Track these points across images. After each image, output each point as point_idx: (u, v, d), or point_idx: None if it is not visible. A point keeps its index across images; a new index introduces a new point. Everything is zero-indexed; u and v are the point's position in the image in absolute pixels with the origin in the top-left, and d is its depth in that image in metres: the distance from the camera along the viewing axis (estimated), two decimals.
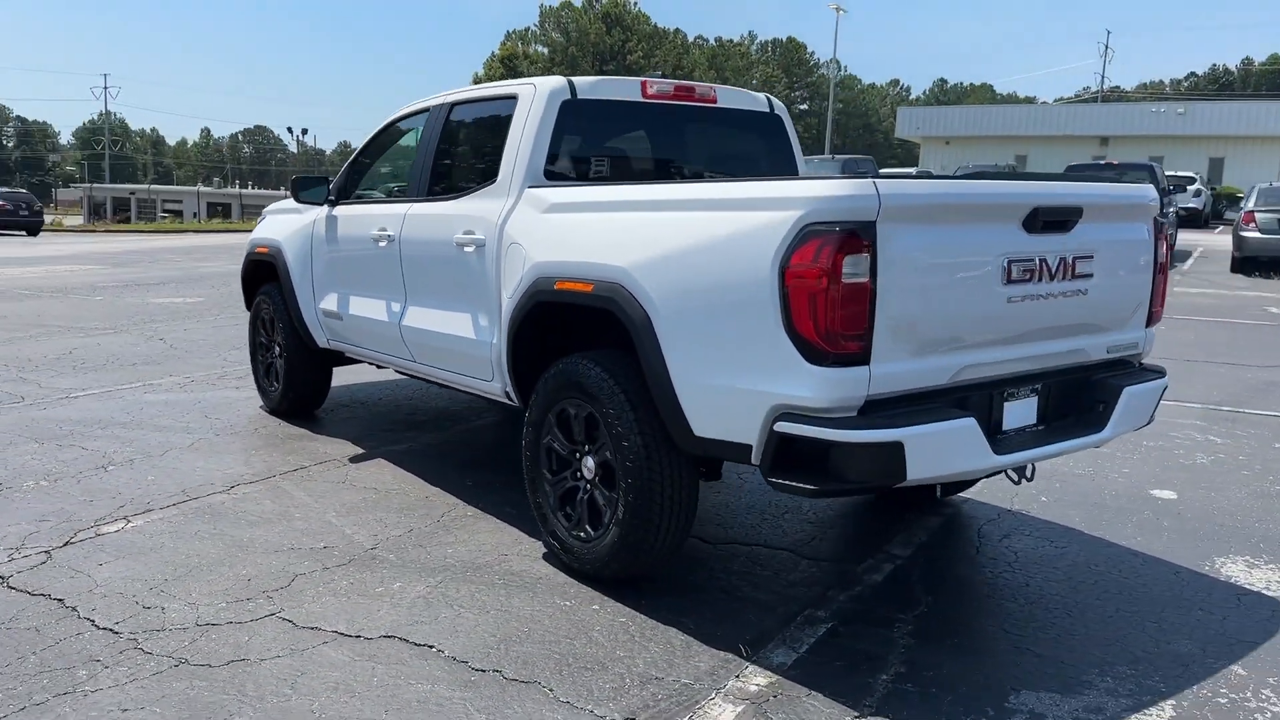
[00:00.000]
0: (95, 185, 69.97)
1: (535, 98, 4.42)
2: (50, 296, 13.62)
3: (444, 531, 4.45)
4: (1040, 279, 3.40)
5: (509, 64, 68.89)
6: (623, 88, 4.63)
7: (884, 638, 3.48)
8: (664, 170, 4.94)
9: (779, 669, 3.24)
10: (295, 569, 4.01)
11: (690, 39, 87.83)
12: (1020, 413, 3.56)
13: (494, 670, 3.19)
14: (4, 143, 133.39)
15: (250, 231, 7.31)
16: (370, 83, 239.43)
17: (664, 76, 5.06)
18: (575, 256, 3.86)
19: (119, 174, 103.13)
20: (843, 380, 3.02)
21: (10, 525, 4.44)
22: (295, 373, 6.40)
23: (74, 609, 3.60)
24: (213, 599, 3.71)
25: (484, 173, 4.63)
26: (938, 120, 47.50)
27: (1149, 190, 3.93)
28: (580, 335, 4.10)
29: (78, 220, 53.88)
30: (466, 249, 4.53)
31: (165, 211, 58.13)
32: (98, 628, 3.45)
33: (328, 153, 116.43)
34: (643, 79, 4.68)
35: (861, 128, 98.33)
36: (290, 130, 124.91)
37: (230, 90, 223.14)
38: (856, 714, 2.97)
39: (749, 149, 5.10)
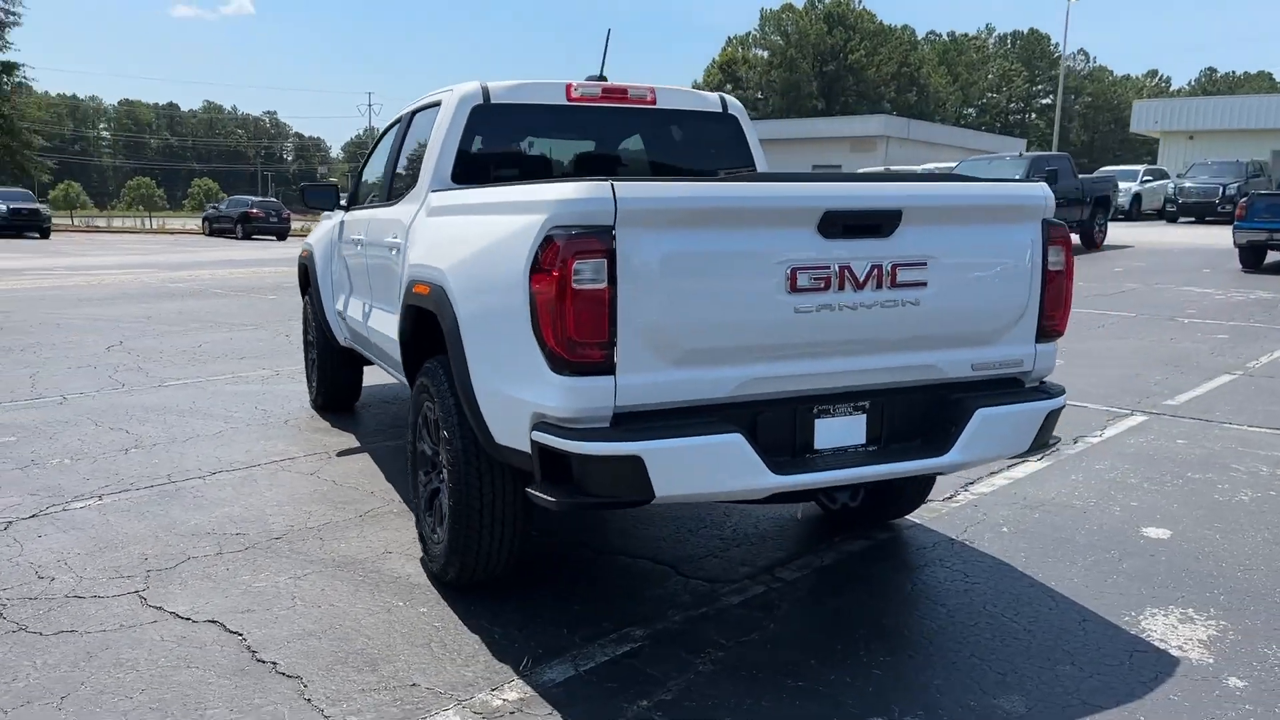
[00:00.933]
0: None
1: (449, 104, 4.50)
2: (232, 295, 15.07)
3: (354, 527, 4.60)
4: (841, 288, 3.11)
5: (728, 70, 69.27)
6: (544, 91, 4.61)
7: (683, 663, 3.29)
8: (589, 174, 4.86)
9: (542, 685, 3.14)
10: (193, 552, 4.28)
11: (920, 35, 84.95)
12: (840, 431, 3.27)
13: (273, 662, 3.29)
14: (285, 156, 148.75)
15: None
16: None
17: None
18: (424, 260, 3.91)
19: None
20: (585, 390, 2.90)
21: (5, 498, 5.00)
22: (325, 370, 6.78)
23: None
24: (100, 574, 4.03)
25: (413, 178, 4.75)
26: (1179, 113, 43.30)
27: (1032, 190, 3.49)
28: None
29: None
30: (391, 252, 4.67)
31: None
32: None
33: None
34: (569, 82, 4.65)
35: (1112, 122, 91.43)
36: None
37: None
38: None
39: (696, 150, 4.94)
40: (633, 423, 2.96)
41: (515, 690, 3.11)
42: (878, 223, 3.13)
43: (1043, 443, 3.56)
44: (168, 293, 15.58)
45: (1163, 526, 4.62)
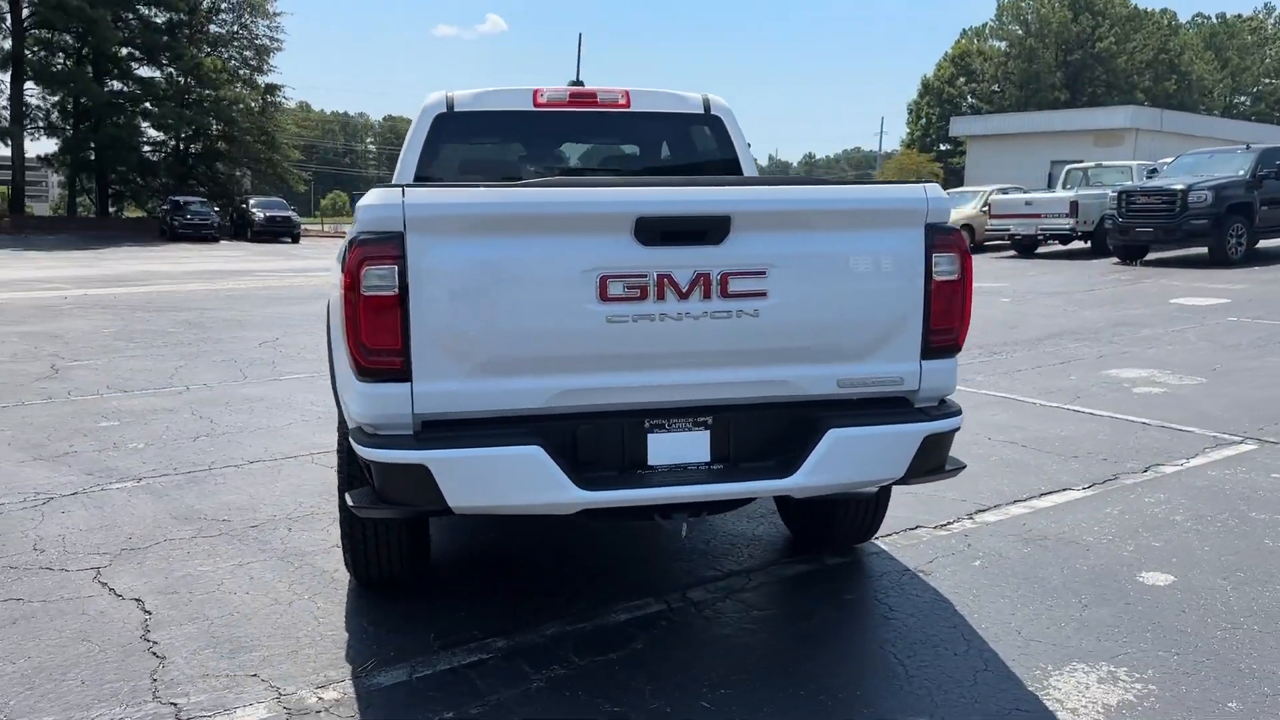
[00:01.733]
0: None
1: (417, 115, 4.62)
2: None
3: (330, 519, 4.80)
4: (661, 298, 2.93)
5: (960, 62, 66.23)
6: (510, 98, 4.64)
7: (520, 676, 3.22)
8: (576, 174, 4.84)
9: (367, 688, 3.18)
10: (172, 535, 4.62)
11: (1184, 19, 77.81)
12: (678, 447, 3.09)
13: (154, 642, 3.51)
14: None
15: None
16: (841, 98, 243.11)
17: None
18: None
19: None
20: (382, 397, 2.91)
21: (67, 476, 5.60)
22: None
23: None
24: (81, 550, 4.44)
25: None
26: None
27: (907, 193, 3.15)
28: None
29: None
30: None
31: None
32: None
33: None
34: (536, 88, 4.65)
35: None
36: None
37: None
38: None
39: (675, 152, 4.82)
40: (438, 431, 2.94)
41: (338, 691, 3.17)
42: (702, 229, 2.93)
43: (931, 468, 3.21)
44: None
45: (1169, 572, 4.04)
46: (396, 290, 2.83)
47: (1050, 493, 5.10)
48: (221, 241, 38.70)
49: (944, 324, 3.16)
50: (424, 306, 2.85)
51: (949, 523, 4.67)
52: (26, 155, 46.29)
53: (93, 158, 47.13)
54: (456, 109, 4.58)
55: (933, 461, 3.20)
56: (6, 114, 44.47)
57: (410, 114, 6.28)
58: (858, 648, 3.46)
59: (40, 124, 46.05)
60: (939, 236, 3.11)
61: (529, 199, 2.90)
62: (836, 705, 3.04)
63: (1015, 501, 4.96)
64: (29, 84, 44.41)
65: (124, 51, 46.32)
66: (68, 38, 45.15)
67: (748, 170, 4.75)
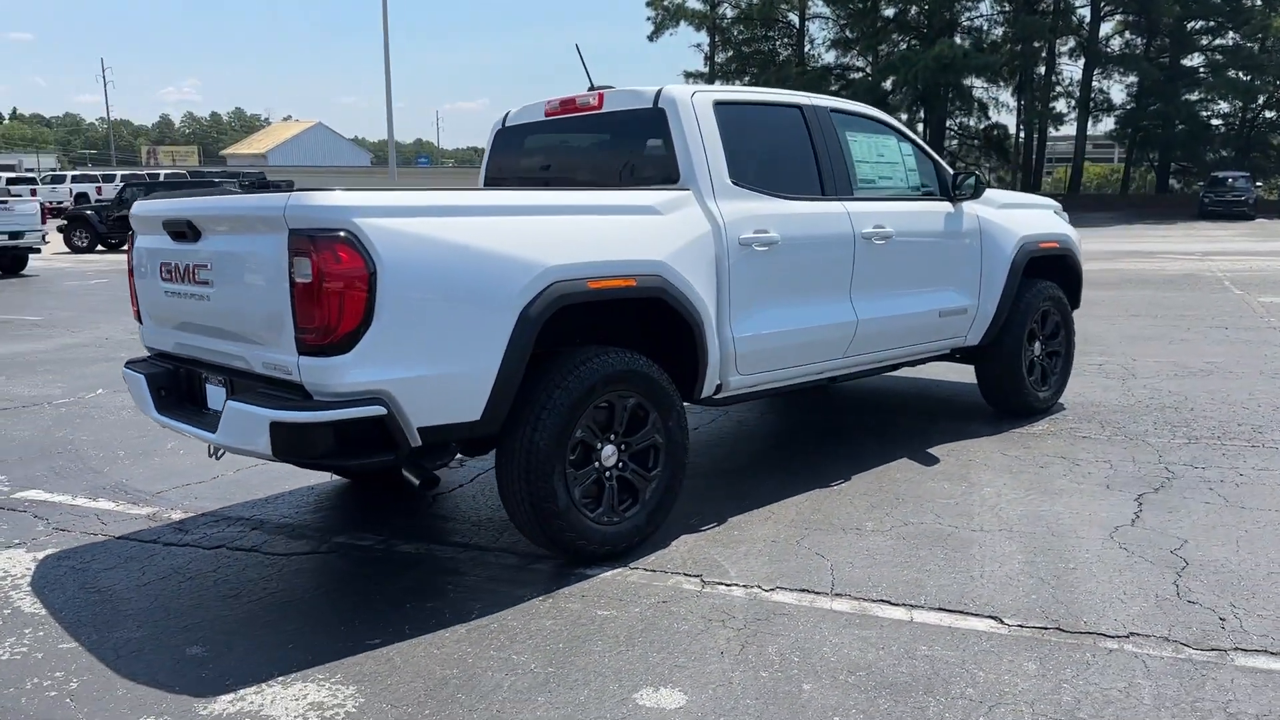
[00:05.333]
0: None
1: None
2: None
3: (312, 496, 5.49)
4: (178, 280, 3.97)
5: None
6: (533, 111, 5.37)
7: None
8: (558, 183, 5.25)
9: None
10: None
11: None
12: (217, 397, 4.05)
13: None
14: None
15: None
16: None
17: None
18: None
19: None
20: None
21: None
22: None
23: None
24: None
25: None
26: None
27: (269, 201, 3.40)
28: None
29: None
30: None
31: None
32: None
33: None
34: (549, 100, 5.26)
35: None
36: None
37: None
38: None
39: (632, 149, 4.90)
40: (143, 361, 4.52)
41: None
42: (183, 230, 3.88)
43: (291, 452, 3.49)
44: (1164, 280, 15.38)
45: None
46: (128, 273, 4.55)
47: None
48: (1258, 220, 35.16)
49: (307, 324, 3.41)
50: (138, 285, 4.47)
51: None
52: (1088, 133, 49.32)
53: (1155, 133, 47.29)
54: (508, 124, 5.50)
55: (304, 448, 3.49)
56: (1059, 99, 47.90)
57: None
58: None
59: (1101, 106, 48.38)
60: (299, 242, 3.38)
61: (145, 209, 4.25)
62: None
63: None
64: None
65: (1187, 25, 45.39)
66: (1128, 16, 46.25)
67: (683, 162, 4.53)
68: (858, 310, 5.18)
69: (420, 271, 3.50)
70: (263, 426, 3.44)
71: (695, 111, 4.58)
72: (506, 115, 5.55)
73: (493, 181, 5.55)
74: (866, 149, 5.49)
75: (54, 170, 57.20)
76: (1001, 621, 3.48)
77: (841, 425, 6.52)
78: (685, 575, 3.96)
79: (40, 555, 4.35)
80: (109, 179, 44.08)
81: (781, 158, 5.11)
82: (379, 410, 3.43)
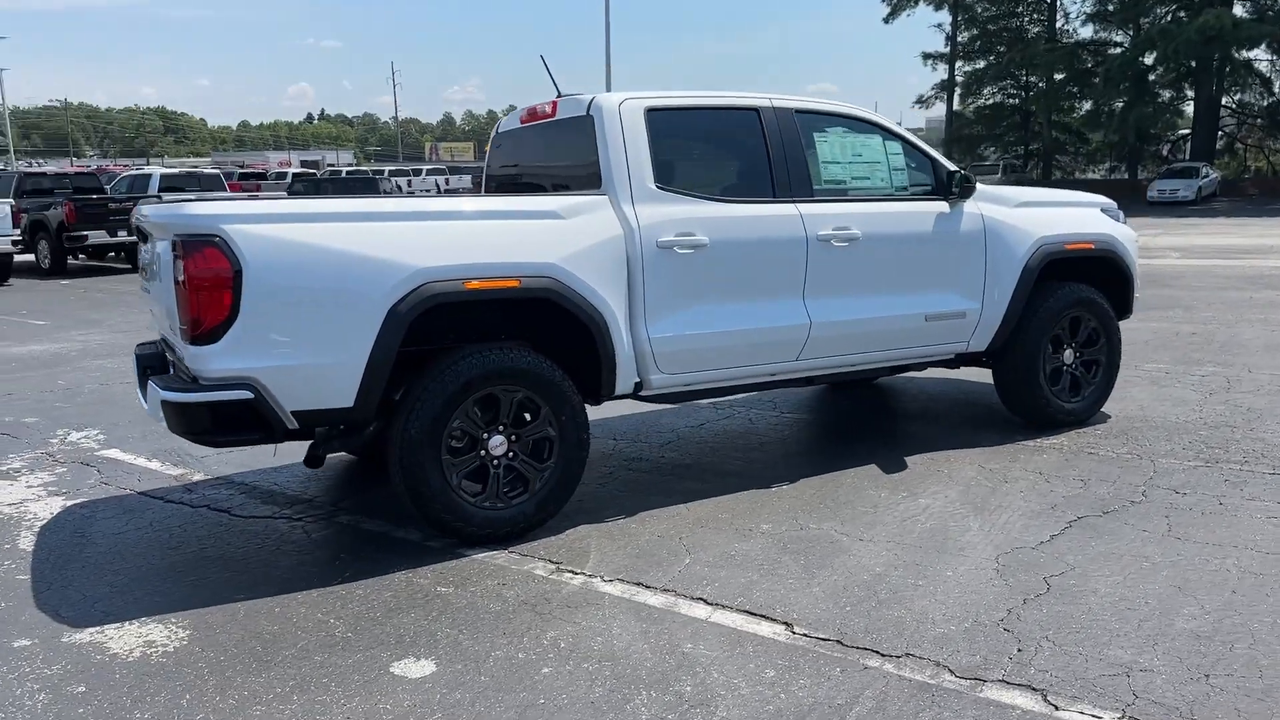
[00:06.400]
0: None
1: None
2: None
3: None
4: (144, 276, 4.67)
5: None
6: (515, 118, 5.73)
7: None
8: (523, 188, 5.57)
9: None
10: None
11: None
12: None
13: None
14: None
15: None
16: None
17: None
18: None
19: None
20: None
21: None
22: None
23: None
24: None
25: None
26: None
27: (161, 211, 3.99)
28: None
29: None
30: None
31: None
32: None
33: None
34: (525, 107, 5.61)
35: None
36: None
37: None
38: None
39: (574, 155, 5.16)
40: None
41: None
42: (146, 235, 4.54)
43: (180, 428, 4.05)
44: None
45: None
46: None
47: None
48: None
49: (185, 317, 3.96)
50: None
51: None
52: None
53: None
54: (501, 130, 5.88)
55: (188, 424, 4.05)
56: None
57: None
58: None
59: None
60: (179, 246, 3.94)
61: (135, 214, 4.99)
62: None
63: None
64: None
65: None
66: None
67: (604, 167, 4.76)
68: (812, 313, 5.15)
69: (285, 272, 3.96)
70: (160, 404, 4.03)
71: (621, 119, 4.77)
72: (500, 121, 5.93)
73: (487, 181, 5.96)
74: (839, 149, 5.42)
75: (351, 165, 67.89)
76: (791, 629, 3.50)
77: (851, 428, 6.44)
78: (547, 561, 4.21)
79: (70, 503, 5.21)
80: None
81: (724, 161, 5.18)
82: (246, 394, 3.93)
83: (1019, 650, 3.29)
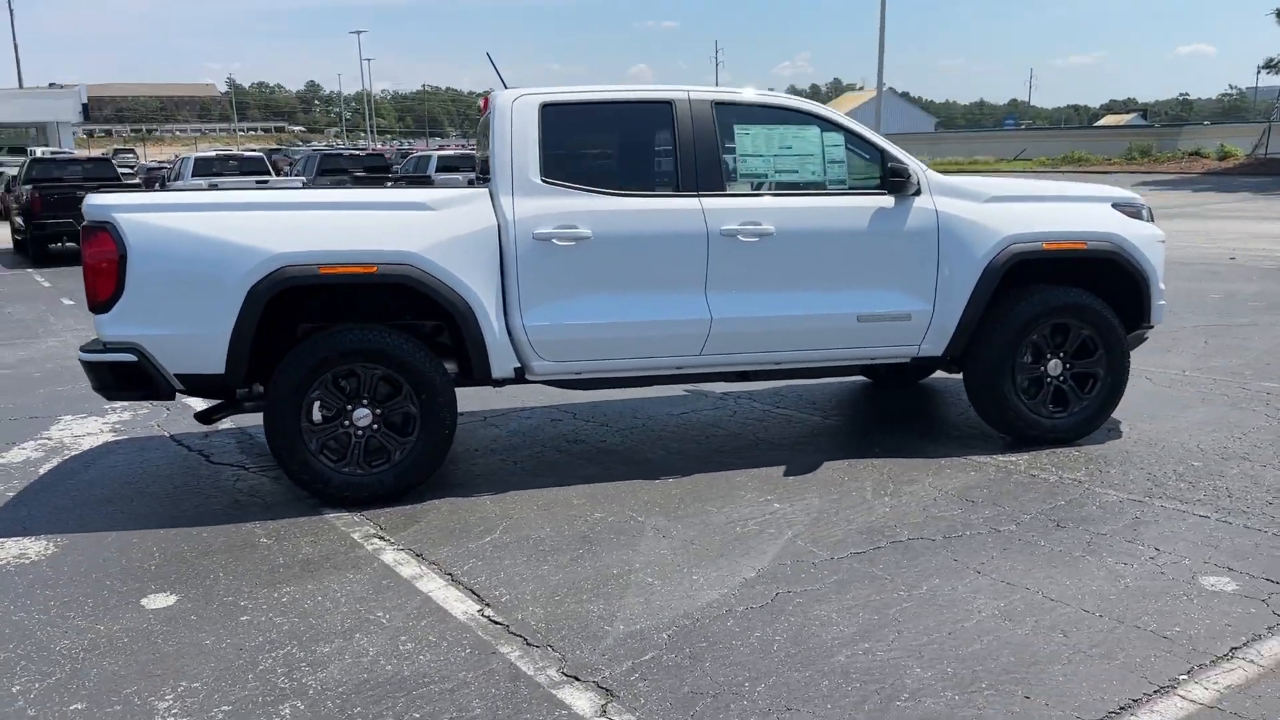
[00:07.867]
0: None
1: None
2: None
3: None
4: None
5: None
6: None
7: None
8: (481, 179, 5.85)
9: None
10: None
11: None
12: None
13: None
14: None
15: None
16: None
17: None
18: None
19: None
20: None
21: None
22: None
23: None
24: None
25: None
26: None
27: (89, 200, 4.69)
28: None
29: None
30: None
31: None
32: None
33: None
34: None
35: None
36: None
37: None
38: None
39: (486, 149, 5.43)
40: None
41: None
42: None
43: (94, 383, 4.81)
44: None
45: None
46: None
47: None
48: None
49: (87, 289, 4.71)
50: None
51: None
52: None
53: None
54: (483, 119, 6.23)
55: (96, 380, 4.80)
56: None
57: None
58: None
59: None
60: (84, 230, 4.70)
61: None
62: None
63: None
64: None
65: None
66: None
67: (493, 161, 5.04)
68: (714, 308, 5.12)
69: (162, 254, 4.61)
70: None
71: (512, 115, 5.01)
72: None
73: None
74: (763, 142, 5.29)
75: None
76: (482, 612, 3.67)
77: (833, 429, 6.22)
78: (374, 525, 4.61)
79: (114, 438, 6.28)
80: None
81: (626, 155, 5.23)
82: (130, 357, 4.63)
83: (643, 659, 3.26)
